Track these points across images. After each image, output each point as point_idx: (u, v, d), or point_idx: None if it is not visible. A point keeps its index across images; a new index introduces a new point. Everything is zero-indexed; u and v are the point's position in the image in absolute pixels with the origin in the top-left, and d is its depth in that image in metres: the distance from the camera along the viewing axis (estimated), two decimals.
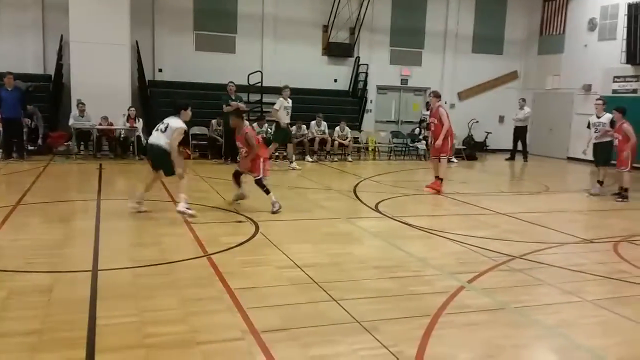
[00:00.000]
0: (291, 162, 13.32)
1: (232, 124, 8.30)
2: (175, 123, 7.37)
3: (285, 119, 13.05)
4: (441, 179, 10.48)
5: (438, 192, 10.27)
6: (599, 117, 10.83)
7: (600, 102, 11.03)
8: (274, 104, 13.51)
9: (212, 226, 7.19)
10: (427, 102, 17.81)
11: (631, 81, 16.09)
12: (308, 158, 14.72)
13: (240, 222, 7.45)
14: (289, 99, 13.16)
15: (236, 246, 6.17)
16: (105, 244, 6.08)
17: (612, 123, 10.46)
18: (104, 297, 4.49)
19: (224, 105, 13.54)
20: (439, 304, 4.60)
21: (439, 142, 10.26)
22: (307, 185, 11.02)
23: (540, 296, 4.99)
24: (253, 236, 6.67)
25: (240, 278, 5.09)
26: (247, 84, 15.56)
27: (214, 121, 14.59)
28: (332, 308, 4.46)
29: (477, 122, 18.79)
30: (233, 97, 13.83)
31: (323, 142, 15.24)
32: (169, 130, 7.32)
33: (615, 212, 9.47)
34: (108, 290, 4.64)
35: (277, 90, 16.41)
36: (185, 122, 7.52)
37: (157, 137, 7.41)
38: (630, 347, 4.04)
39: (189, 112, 7.58)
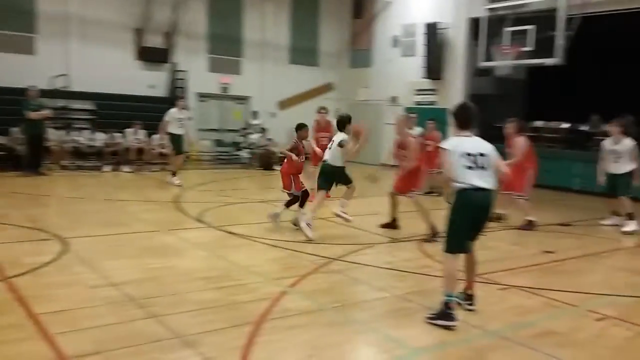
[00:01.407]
0: (174, 175, 12.24)
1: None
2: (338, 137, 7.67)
3: (177, 130, 12.20)
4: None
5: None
6: None
7: None
8: (83, 110, 12.56)
9: (12, 246, 6.43)
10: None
11: (430, 94, 17.90)
12: (124, 168, 13.93)
13: (45, 240, 6.77)
14: (183, 110, 12.43)
15: (41, 267, 5.59)
16: None
17: None
18: None
19: (29, 112, 12.28)
20: (261, 310, 4.64)
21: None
22: (124, 197, 10.42)
23: (355, 294, 5.29)
24: (61, 254, 6.09)
25: (47, 301, 4.62)
26: (51, 88, 14.25)
27: (15, 129, 13.13)
28: (151, 325, 4.27)
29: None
30: (34, 103, 12.54)
31: (141, 151, 14.54)
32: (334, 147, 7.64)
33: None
34: None
35: (86, 96, 15.37)
36: None
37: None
38: (432, 335, 4.44)
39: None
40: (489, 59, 14.24)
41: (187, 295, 5.02)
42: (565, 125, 15.71)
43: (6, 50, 14.69)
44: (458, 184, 4.61)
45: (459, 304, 4.75)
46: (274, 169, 16.35)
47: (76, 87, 15.11)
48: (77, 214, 7.44)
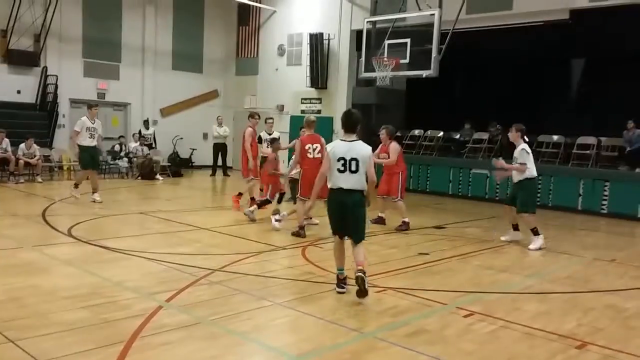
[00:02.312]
0: (94, 192, 11.09)
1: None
2: None
3: (87, 142, 10.76)
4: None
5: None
6: None
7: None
8: None
9: None
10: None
11: (315, 103, 18.19)
12: None
13: None
14: (96, 119, 10.96)
15: None
16: None
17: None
18: None
19: None
20: (134, 327, 4.40)
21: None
22: None
23: (236, 305, 5.17)
24: None
25: None
26: None
27: None
28: (10, 350, 3.91)
29: (181, 138, 18.93)
30: None
31: (5, 161, 13.39)
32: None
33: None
34: None
35: None
36: None
37: None
38: (311, 341, 4.47)
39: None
40: (370, 69, 14.73)
41: (51, 316, 4.64)
42: (440, 134, 16.66)
43: None
44: (330, 184, 5.49)
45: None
46: (155, 179, 15.77)
47: None
48: None
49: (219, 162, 18.06)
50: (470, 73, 17.84)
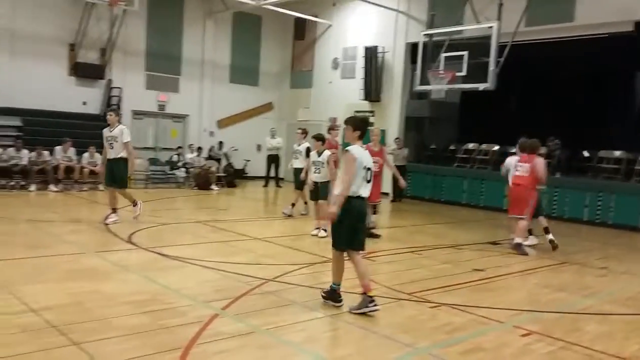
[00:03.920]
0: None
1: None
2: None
3: (108, 153, 9.70)
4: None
5: None
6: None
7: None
8: (8, 127, 11.84)
9: None
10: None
11: (369, 115, 18.14)
12: (52, 187, 13.35)
13: None
14: (118, 125, 9.62)
15: None
16: None
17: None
18: None
19: None
20: (192, 334, 4.50)
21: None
22: (50, 218, 9.96)
23: (289, 315, 5.21)
24: None
25: None
26: None
27: None
28: (73, 353, 4.05)
29: (236, 150, 19.31)
30: None
31: (70, 169, 14.01)
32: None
33: None
34: None
35: (12, 112, 14.70)
36: None
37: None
38: (364, 354, 4.45)
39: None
40: (425, 82, 14.62)
41: (112, 321, 4.80)
42: (496, 148, 16.30)
43: None
44: (351, 192, 5.21)
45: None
46: (211, 189, 16.13)
47: (2, 103, 14.45)
48: None
49: (272, 174, 18.28)
50: (528, 86, 17.43)
